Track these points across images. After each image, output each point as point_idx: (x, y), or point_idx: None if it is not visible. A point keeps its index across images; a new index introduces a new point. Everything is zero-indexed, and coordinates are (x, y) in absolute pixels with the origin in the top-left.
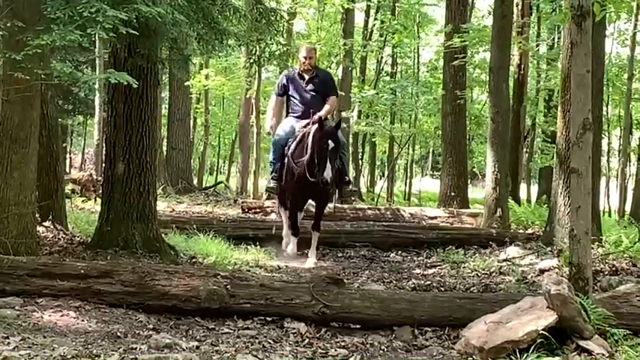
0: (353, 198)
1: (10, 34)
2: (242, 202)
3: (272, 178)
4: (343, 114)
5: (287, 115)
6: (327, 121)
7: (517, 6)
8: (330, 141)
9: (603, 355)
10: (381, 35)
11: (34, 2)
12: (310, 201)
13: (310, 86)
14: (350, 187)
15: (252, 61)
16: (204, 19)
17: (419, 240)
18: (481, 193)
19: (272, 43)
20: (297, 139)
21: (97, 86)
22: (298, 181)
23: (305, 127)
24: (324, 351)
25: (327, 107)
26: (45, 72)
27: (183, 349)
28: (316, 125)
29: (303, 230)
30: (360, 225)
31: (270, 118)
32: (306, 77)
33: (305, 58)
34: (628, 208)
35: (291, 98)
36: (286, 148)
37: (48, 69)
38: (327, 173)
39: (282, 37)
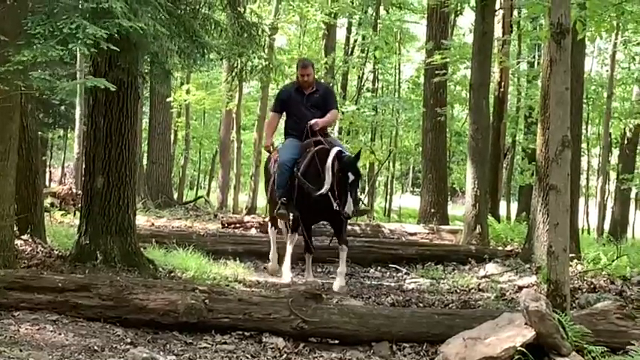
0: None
1: None
2: (222, 217)
3: (281, 203)
4: None
5: (285, 133)
6: (326, 129)
7: (498, 23)
8: (350, 173)
9: None
10: (362, 51)
11: (15, 17)
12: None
13: (310, 102)
14: (361, 205)
15: (233, 74)
16: (186, 33)
17: (398, 256)
18: (461, 210)
19: (254, 58)
20: (307, 159)
21: (77, 93)
22: (314, 206)
23: (314, 145)
24: None
25: (327, 117)
26: (25, 84)
27: None
28: (335, 151)
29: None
30: None
31: (268, 135)
32: (306, 93)
33: (302, 75)
34: (607, 226)
35: (290, 115)
36: (295, 169)
37: (28, 81)
38: (349, 207)
39: (264, 51)
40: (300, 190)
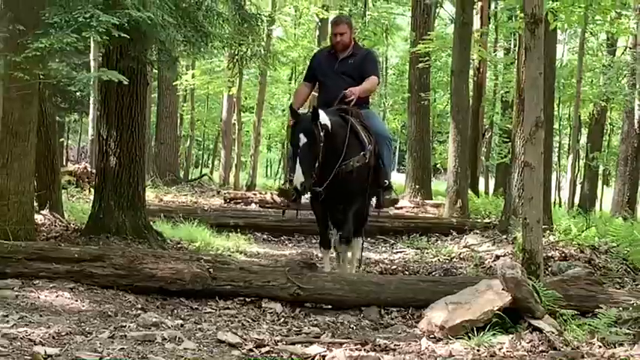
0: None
1: (12, 36)
2: (224, 193)
3: (294, 189)
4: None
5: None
6: (367, 100)
7: (477, 14)
8: (301, 135)
9: (553, 332)
10: None
11: (33, 8)
12: None
13: (343, 68)
14: (392, 194)
15: (235, 61)
16: (191, 23)
17: (386, 228)
18: (443, 186)
19: (253, 46)
20: None
21: (91, 83)
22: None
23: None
24: (298, 329)
25: (363, 85)
26: (43, 72)
27: (169, 327)
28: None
29: None
30: None
31: (295, 109)
32: (340, 57)
33: (335, 34)
34: (577, 200)
35: (321, 85)
36: None
37: (46, 69)
38: (298, 178)
39: (263, 40)
40: None
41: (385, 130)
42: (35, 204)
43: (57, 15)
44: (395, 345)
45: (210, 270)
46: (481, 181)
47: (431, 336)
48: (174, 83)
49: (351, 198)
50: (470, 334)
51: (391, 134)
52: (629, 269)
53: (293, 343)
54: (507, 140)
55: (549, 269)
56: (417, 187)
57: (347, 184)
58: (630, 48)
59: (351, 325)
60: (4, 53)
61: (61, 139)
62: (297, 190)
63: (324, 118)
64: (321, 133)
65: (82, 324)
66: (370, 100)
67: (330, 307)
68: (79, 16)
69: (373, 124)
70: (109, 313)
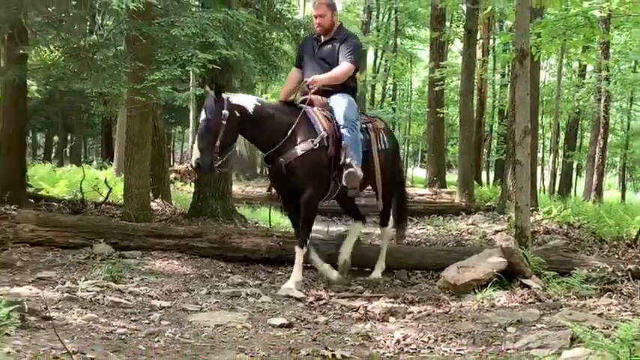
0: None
1: (133, 71)
2: None
3: (190, 165)
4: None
5: None
6: (340, 91)
7: (479, 48)
8: (202, 111)
9: (539, 288)
10: (385, 70)
11: (149, 49)
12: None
13: (321, 53)
14: (349, 169)
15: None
16: (264, 59)
17: (411, 210)
18: (455, 178)
19: None
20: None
21: (191, 100)
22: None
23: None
24: (346, 287)
25: (330, 73)
26: (156, 96)
27: (251, 286)
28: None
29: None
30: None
31: (282, 94)
32: (321, 41)
33: (315, 17)
34: (557, 187)
35: (303, 70)
36: None
37: (158, 94)
38: (194, 154)
39: None
40: None
41: (350, 115)
42: (151, 195)
43: (166, 54)
44: (419, 298)
45: (281, 243)
46: (483, 174)
47: (446, 291)
48: None
49: (303, 189)
50: (476, 290)
51: (355, 118)
52: (596, 240)
53: (343, 297)
54: (503, 142)
55: (535, 241)
56: (435, 179)
57: (294, 175)
58: (596, 72)
59: (386, 284)
60: (128, 84)
61: (169, 146)
62: (192, 167)
63: (240, 99)
64: (225, 112)
65: (187, 284)
66: (352, 85)
67: (370, 270)
68: (183, 55)
69: (337, 112)
70: (207, 275)
